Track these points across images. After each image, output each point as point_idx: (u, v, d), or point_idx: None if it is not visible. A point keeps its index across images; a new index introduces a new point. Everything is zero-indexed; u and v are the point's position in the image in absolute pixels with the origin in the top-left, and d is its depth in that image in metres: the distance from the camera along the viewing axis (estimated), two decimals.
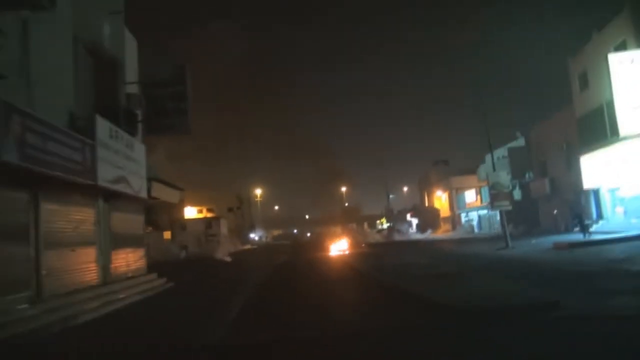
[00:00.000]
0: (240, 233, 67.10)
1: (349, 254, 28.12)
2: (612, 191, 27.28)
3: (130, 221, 15.21)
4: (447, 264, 16.86)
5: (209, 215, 67.60)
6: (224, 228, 37.98)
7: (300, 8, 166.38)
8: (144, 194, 13.41)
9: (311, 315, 9.18)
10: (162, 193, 14.90)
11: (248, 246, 56.12)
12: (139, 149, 13.07)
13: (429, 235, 52.61)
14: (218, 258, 29.00)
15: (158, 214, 36.40)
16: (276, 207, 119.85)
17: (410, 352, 6.14)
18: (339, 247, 30.71)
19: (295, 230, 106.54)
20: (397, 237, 50.25)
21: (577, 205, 31.60)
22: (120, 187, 11.84)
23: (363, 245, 35.75)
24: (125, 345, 7.80)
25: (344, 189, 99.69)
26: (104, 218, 13.05)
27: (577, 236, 25.32)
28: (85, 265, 12.12)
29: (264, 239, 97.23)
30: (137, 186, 12.88)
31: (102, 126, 10.83)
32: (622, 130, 22.13)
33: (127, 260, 14.90)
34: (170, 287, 15.81)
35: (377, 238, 52.21)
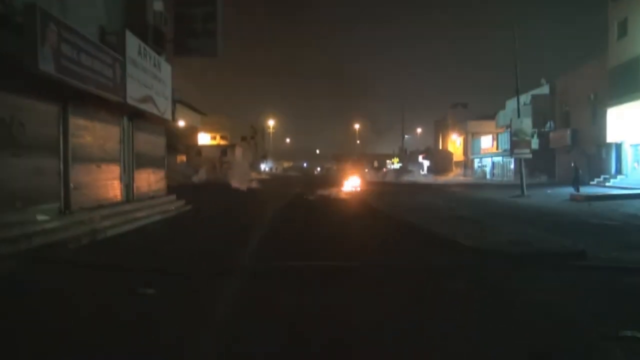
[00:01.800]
0: (253, 162, 67.51)
1: (361, 191, 28.27)
2: (635, 147, 26.76)
3: (152, 142, 15.27)
4: (463, 207, 16.93)
5: (222, 142, 67.97)
6: (239, 156, 38.10)
7: None
8: (168, 116, 13.33)
9: (333, 251, 9.33)
10: (185, 116, 14.80)
11: (260, 176, 56.66)
12: (166, 69, 12.83)
13: (441, 177, 52.55)
14: (233, 186, 29.30)
15: (175, 138, 36.58)
16: (287, 140, 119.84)
17: (441, 292, 6.26)
18: (351, 183, 30.73)
19: (305, 164, 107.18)
20: (406, 177, 50.16)
21: (580, 159, 31.22)
22: (147, 107, 11.74)
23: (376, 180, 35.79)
24: (151, 260, 8.03)
25: (357, 126, 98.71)
26: (128, 137, 13.07)
27: (593, 189, 25.21)
28: (110, 182, 12.32)
29: (274, 170, 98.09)
30: (163, 107, 12.78)
31: (132, 42, 10.56)
32: None
33: (149, 180, 15.12)
34: (189, 209, 16.12)
35: (386, 177, 52.21)
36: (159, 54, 12.56)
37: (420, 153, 80.00)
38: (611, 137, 27.31)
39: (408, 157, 79.31)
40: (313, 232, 11.66)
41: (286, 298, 5.64)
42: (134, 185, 13.76)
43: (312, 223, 13.42)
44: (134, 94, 10.84)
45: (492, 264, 7.43)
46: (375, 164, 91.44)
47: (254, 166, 67.68)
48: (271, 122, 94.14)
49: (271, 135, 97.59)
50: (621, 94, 26.29)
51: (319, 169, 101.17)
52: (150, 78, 11.76)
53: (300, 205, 20.03)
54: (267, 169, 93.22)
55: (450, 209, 16.21)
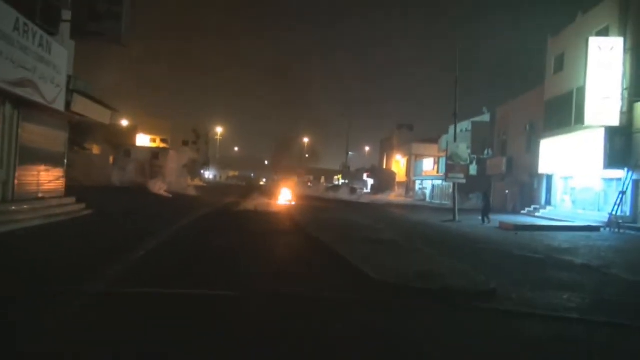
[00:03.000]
0: (193, 168, 65.07)
1: (294, 205, 27.18)
2: (565, 179, 27.23)
3: (47, 136, 13.45)
4: (389, 229, 16.11)
5: (163, 145, 65.17)
6: (171, 161, 36.00)
7: None
8: (59, 106, 11.63)
9: (221, 273, 8.09)
10: (87, 109, 13.10)
11: (200, 183, 54.37)
12: (59, 53, 11.18)
13: (381, 197, 52.44)
14: (156, 192, 27.37)
15: (90, 134, 34.06)
16: (236, 149, 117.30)
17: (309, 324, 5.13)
18: (286, 197, 29.70)
19: (252, 174, 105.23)
20: (348, 195, 49.52)
21: (513, 187, 31.74)
22: (24, 92, 10.05)
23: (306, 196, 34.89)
24: None
25: (306, 139, 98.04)
26: (9, 127, 11.28)
27: (523, 218, 25.30)
28: None
29: (217, 178, 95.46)
30: (51, 95, 11.09)
31: (4, 13, 8.93)
32: (588, 118, 21.59)
33: (39, 178, 13.26)
34: (86, 215, 14.32)
35: (329, 194, 51.42)
36: (52, 34, 10.91)
37: (366, 171, 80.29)
38: (543, 168, 27.68)
39: (354, 175, 79.31)
40: (213, 248, 10.34)
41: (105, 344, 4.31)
42: (15, 183, 11.91)
43: (219, 237, 12.08)
44: (4, 74, 9.16)
45: (391, 301, 6.42)
46: (323, 180, 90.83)
47: (195, 173, 65.21)
48: (219, 129, 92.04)
49: (218, 142, 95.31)
50: (554, 127, 26.75)
51: (264, 180, 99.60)
52: (32, 60, 10.09)
53: (220, 217, 18.69)
54: (210, 177, 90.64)
55: (375, 230, 15.32)
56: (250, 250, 10.50)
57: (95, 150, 36.10)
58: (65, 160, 14.87)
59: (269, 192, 36.04)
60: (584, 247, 14.33)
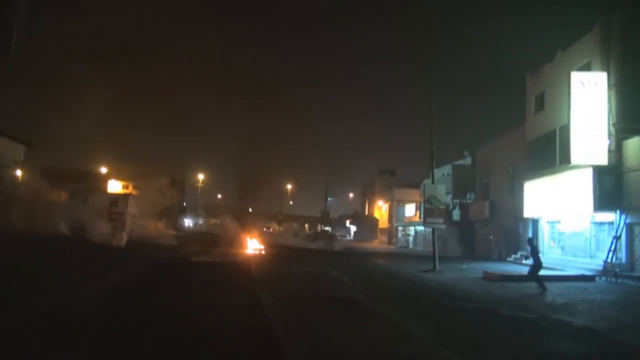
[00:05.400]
0: (170, 216, 62.31)
1: (261, 254, 24.90)
2: (552, 224, 25.38)
3: None
4: (359, 283, 13.86)
5: (134, 192, 62.40)
6: (132, 208, 33.49)
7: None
8: None
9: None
10: (5, 147, 10.97)
11: (173, 232, 51.53)
12: None
13: (363, 245, 50.17)
14: (112, 242, 24.89)
15: (60, 180, 31.74)
16: (219, 196, 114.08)
17: None
18: (254, 246, 27.48)
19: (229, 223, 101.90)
20: (328, 243, 46.95)
21: (498, 232, 29.70)
22: None
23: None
24: None
25: (289, 186, 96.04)
26: None
27: (509, 266, 23.20)
28: None
29: (198, 226, 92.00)
30: None
31: None
32: (574, 157, 19.93)
33: None
34: None
35: (307, 242, 48.90)
36: None
37: (348, 217, 78.16)
38: (528, 212, 25.84)
39: (337, 221, 77.05)
40: (129, 310, 8.00)
41: None
42: None
43: (150, 295, 9.72)
44: None
45: None
46: (306, 227, 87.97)
47: (171, 220, 62.30)
48: (200, 176, 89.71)
49: (199, 189, 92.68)
50: (538, 168, 25.13)
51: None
52: None
53: (167, 268, 16.31)
54: (190, 225, 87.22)
55: (339, 284, 13.08)
56: (160, 312, 8.15)
57: (63, 196, 33.76)
58: None
59: (239, 240, 33.63)
60: (582, 302, 12.17)
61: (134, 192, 61.08)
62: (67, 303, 8.70)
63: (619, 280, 17.20)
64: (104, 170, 66.17)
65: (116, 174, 64.10)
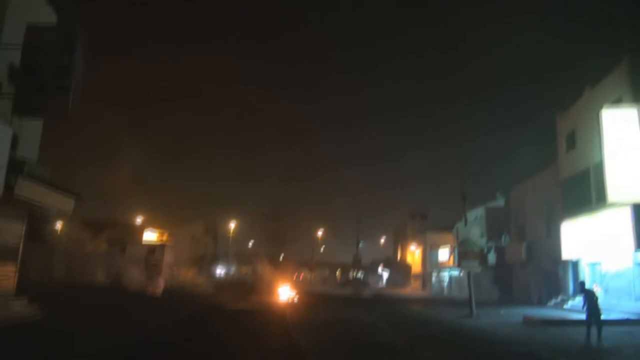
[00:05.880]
0: (203, 265, 63.00)
1: (293, 303, 24.89)
2: (592, 265, 24.51)
3: None
4: (393, 330, 13.69)
5: (168, 241, 63.59)
6: (169, 256, 34.15)
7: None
8: None
9: None
10: (39, 195, 11.68)
11: (206, 280, 52.00)
12: None
13: (397, 291, 49.23)
14: (150, 291, 25.38)
15: (97, 231, 32.83)
16: (251, 242, 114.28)
17: None
18: (288, 293, 27.48)
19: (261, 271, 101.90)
20: (360, 290, 46.03)
21: (536, 276, 28.61)
22: None
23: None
24: None
25: (320, 232, 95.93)
26: None
27: (550, 311, 22.38)
28: None
29: (230, 275, 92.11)
30: None
31: None
32: (611, 196, 19.51)
33: None
34: (32, 318, 12.34)
35: (339, 290, 48.25)
36: None
37: (380, 263, 77.04)
38: (566, 253, 25.09)
39: (368, 267, 76.07)
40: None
41: None
42: None
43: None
44: None
45: None
46: (338, 273, 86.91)
47: (204, 269, 62.86)
48: (232, 224, 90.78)
49: (231, 237, 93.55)
50: (575, 207, 24.59)
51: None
52: None
53: (208, 316, 16.50)
54: (221, 274, 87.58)
55: (375, 330, 12.96)
56: None
57: (102, 247, 34.80)
58: (19, 255, 13.20)
59: (270, 288, 33.67)
60: (628, 346, 11.69)
61: (169, 241, 62.37)
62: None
63: None
64: (139, 220, 67.99)
65: (151, 223, 65.72)
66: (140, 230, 61.93)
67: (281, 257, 71.20)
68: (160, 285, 27.71)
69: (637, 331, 15.07)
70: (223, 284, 42.30)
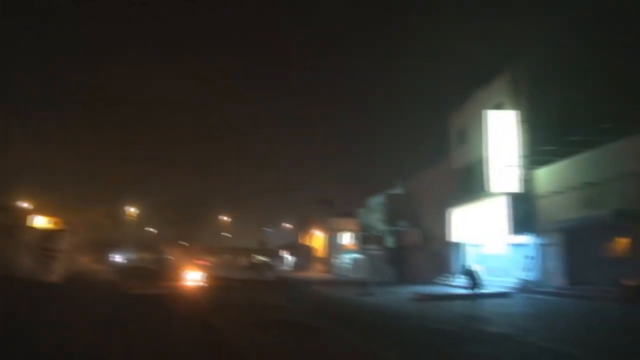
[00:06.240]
0: (104, 251, 59.94)
1: (199, 287, 25.02)
2: (475, 247, 27.54)
3: None
4: (298, 305, 14.71)
5: (64, 226, 59.60)
6: (66, 243, 32.32)
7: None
8: None
9: None
10: None
11: (99, 266, 49.56)
12: None
13: (302, 274, 50.83)
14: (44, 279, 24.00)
15: None
16: (152, 229, 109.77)
17: None
18: (193, 277, 27.37)
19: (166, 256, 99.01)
20: (266, 273, 47.13)
21: (429, 257, 31.61)
22: None
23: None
24: None
25: (226, 218, 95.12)
26: None
27: (437, 288, 24.87)
28: None
29: (131, 261, 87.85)
30: None
31: None
32: (492, 187, 22.23)
33: None
34: None
35: (246, 273, 48.84)
36: None
37: (283, 248, 78.72)
38: (453, 237, 27.94)
39: (274, 252, 77.27)
40: None
41: None
42: None
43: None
44: None
45: None
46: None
47: (105, 256, 59.84)
48: (132, 209, 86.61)
49: (135, 224, 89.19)
50: (463, 196, 27.35)
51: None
52: None
53: (118, 301, 16.31)
54: (120, 260, 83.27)
55: (282, 310, 13.86)
56: None
57: None
58: None
59: (177, 274, 33.29)
60: (498, 314, 13.76)
61: (66, 226, 58.47)
62: None
63: (532, 296, 19.22)
64: (27, 205, 62.87)
65: (44, 209, 61.17)
66: (29, 214, 57.11)
67: (189, 243, 69.99)
68: (56, 272, 26.28)
69: (509, 302, 17.56)
70: (126, 270, 40.89)
